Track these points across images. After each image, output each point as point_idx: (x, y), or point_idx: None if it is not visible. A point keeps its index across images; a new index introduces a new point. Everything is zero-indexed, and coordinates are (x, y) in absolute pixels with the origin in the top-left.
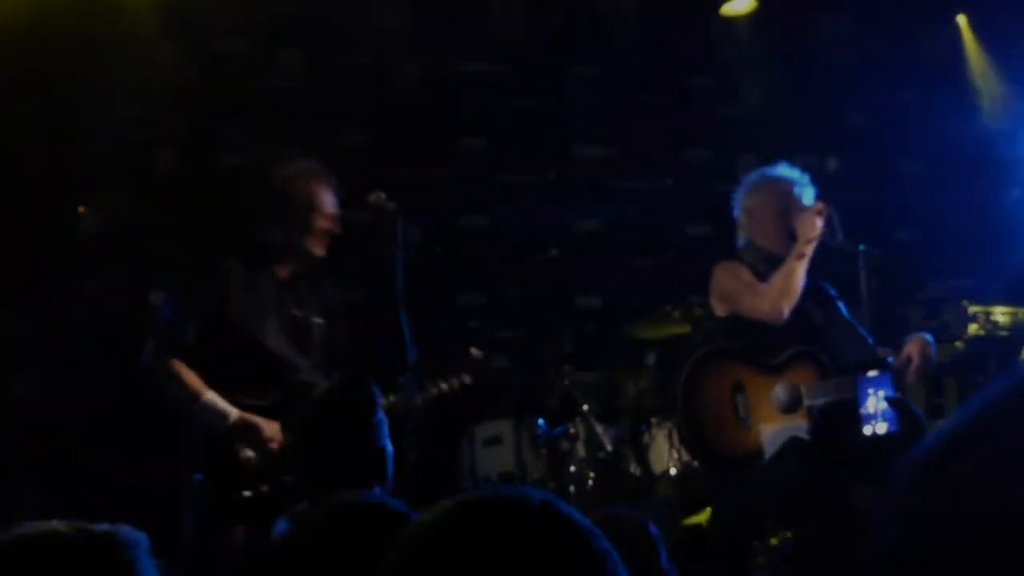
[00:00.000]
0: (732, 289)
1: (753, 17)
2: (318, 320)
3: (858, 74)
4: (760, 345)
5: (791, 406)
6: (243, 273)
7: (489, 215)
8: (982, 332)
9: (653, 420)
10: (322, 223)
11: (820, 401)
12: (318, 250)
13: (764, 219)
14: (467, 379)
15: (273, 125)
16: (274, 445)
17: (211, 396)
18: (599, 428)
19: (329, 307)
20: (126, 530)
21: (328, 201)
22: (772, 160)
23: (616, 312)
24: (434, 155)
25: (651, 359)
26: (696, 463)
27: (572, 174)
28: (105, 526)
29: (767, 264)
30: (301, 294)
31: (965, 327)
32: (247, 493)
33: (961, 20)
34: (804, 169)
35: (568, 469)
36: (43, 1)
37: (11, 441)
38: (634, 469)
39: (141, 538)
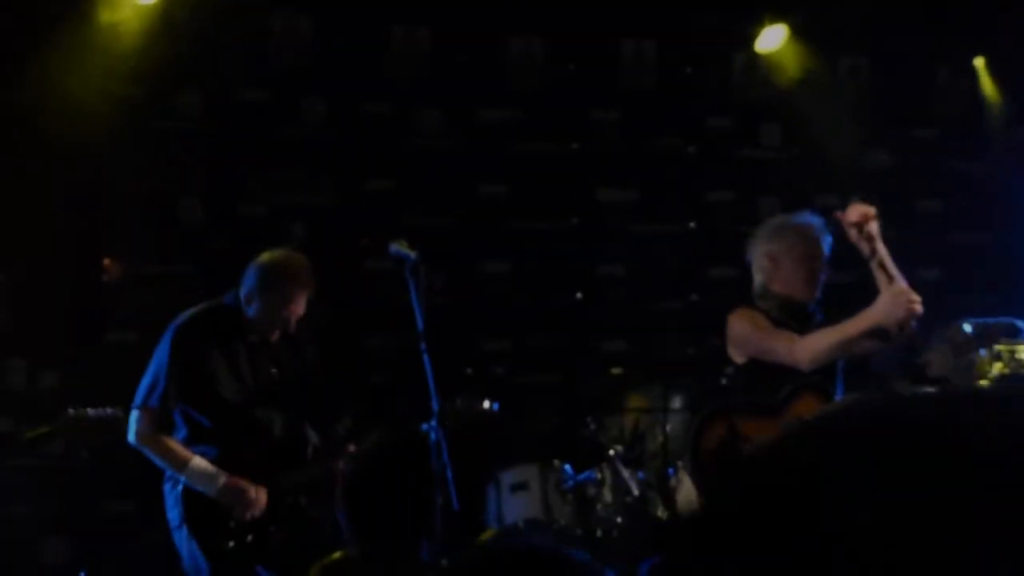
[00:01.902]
0: (748, 334)
1: (773, 59)
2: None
3: (877, 114)
4: (779, 389)
5: None
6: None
7: (512, 261)
8: (1007, 370)
9: (680, 464)
10: (285, 318)
11: None
12: (272, 335)
13: (788, 265)
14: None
15: (296, 174)
16: (260, 505)
17: (198, 461)
18: (626, 473)
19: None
20: None
21: (298, 306)
22: (794, 201)
23: (641, 356)
24: (456, 202)
25: (677, 403)
26: None
27: (595, 219)
28: None
29: (782, 311)
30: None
31: (990, 366)
32: (232, 544)
33: (979, 63)
34: (826, 210)
35: (595, 515)
36: (67, 54)
37: (38, 493)
38: (661, 514)
39: None
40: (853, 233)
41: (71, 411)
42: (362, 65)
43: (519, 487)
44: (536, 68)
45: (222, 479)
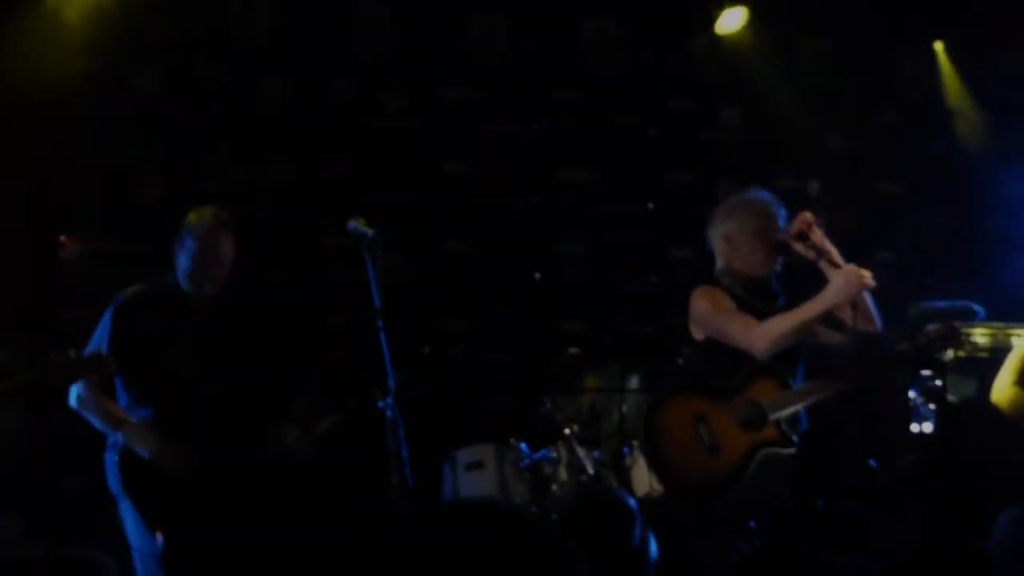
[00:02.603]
0: (709, 315)
1: (734, 41)
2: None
3: (837, 97)
4: (736, 367)
5: (757, 423)
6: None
7: (472, 240)
8: (963, 353)
9: (635, 443)
10: (209, 271)
11: (786, 412)
12: (205, 292)
13: (743, 243)
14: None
15: (256, 151)
16: (193, 465)
17: (134, 422)
18: (581, 452)
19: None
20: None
21: (216, 255)
22: (753, 183)
23: (599, 336)
24: (417, 180)
25: (634, 382)
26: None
27: (555, 198)
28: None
29: (745, 289)
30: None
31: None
32: (168, 504)
33: (938, 47)
34: (785, 192)
35: (551, 493)
36: (23, 29)
37: None
38: None
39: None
40: (799, 247)
41: (53, 355)
42: (323, 42)
43: (475, 466)
44: (498, 47)
45: (156, 439)
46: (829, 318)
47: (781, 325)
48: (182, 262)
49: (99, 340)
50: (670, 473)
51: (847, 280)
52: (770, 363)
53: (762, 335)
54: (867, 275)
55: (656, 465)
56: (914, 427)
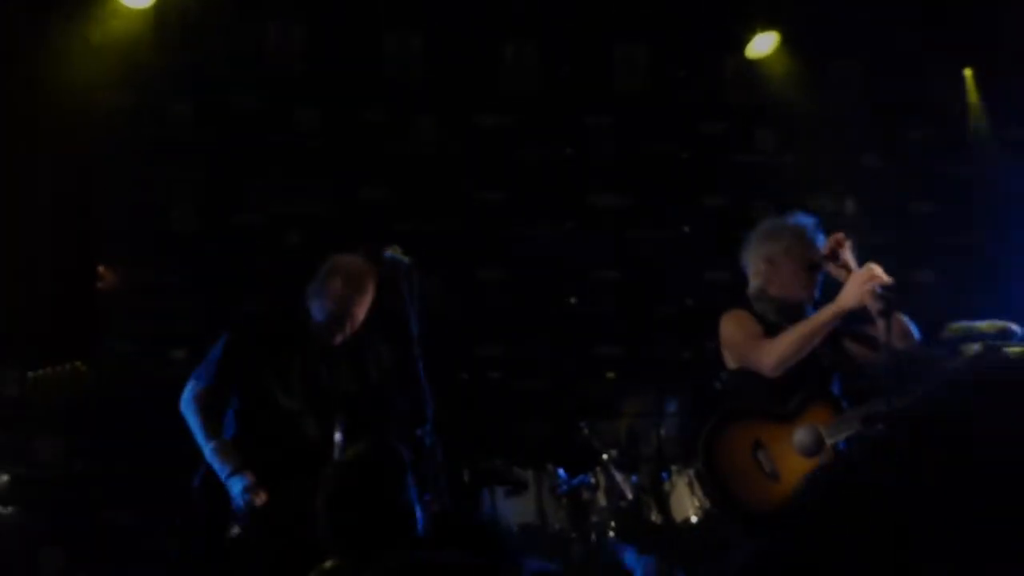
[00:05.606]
0: (738, 342)
1: (766, 63)
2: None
3: (869, 117)
4: (776, 394)
5: (815, 449)
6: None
7: (507, 266)
8: None
9: (674, 468)
10: (338, 319)
11: (843, 436)
12: (332, 339)
13: (786, 267)
14: None
15: (290, 181)
16: (259, 501)
17: (222, 444)
18: (619, 477)
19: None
20: None
21: (352, 308)
22: (788, 205)
23: (635, 360)
24: (450, 208)
25: (672, 407)
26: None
27: (589, 224)
28: None
29: (779, 315)
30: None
31: None
32: (237, 531)
33: (967, 73)
34: (819, 212)
35: (589, 519)
36: (58, 61)
37: (37, 501)
38: (655, 518)
39: None
40: (831, 268)
41: (30, 374)
42: (356, 72)
43: (514, 491)
44: (529, 73)
45: (235, 467)
46: (862, 336)
47: (786, 338)
48: (316, 305)
49: (213, 354)
50: (731, 501)
51: (857, 281)
52: (823, 390)
53: (769, 351)
54: (877, 270)
55: (715, 492)
56: None
